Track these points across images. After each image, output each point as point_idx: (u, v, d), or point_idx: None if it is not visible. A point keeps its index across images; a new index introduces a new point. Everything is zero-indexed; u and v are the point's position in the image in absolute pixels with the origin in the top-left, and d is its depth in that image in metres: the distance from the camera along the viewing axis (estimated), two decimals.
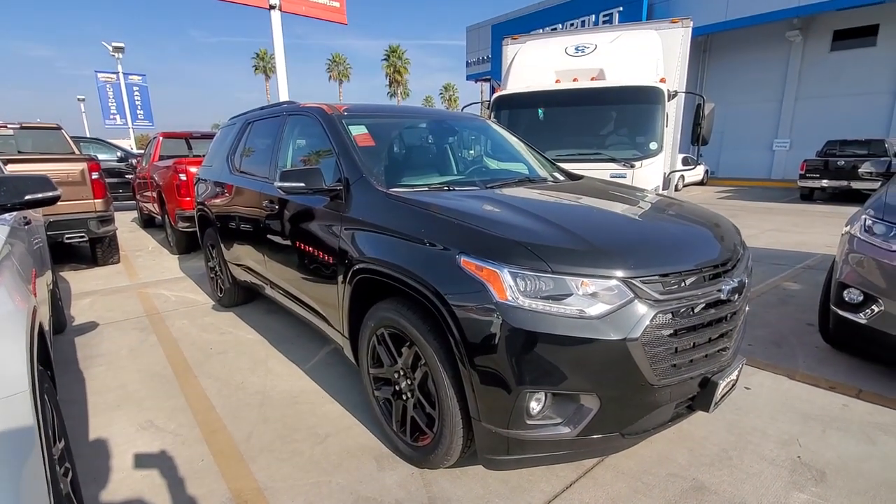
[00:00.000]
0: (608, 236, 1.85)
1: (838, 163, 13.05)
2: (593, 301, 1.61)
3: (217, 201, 4.13)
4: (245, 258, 3.75)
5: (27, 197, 1.91)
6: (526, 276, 1.62)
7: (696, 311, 1.77)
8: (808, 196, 13.83)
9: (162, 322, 4.12)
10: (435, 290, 1.76)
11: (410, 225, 1.99)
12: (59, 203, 5.09)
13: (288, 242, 2.93)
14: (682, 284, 1.75)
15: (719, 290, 1.83)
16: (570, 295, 1.62)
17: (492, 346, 1.62)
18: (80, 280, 5.55)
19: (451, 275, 1.74)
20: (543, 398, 1.67)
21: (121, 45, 22.35)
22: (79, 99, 42.24)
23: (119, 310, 4.46)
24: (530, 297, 1.61)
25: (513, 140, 3.47)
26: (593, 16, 19.62)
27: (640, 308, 1.62)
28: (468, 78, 28.36)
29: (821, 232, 8.26)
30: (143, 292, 5.02)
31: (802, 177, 13.61)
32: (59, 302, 3.86)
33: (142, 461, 2.25)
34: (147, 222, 9.33)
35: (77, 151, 6.43)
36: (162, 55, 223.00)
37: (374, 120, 2.95)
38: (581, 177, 3.12)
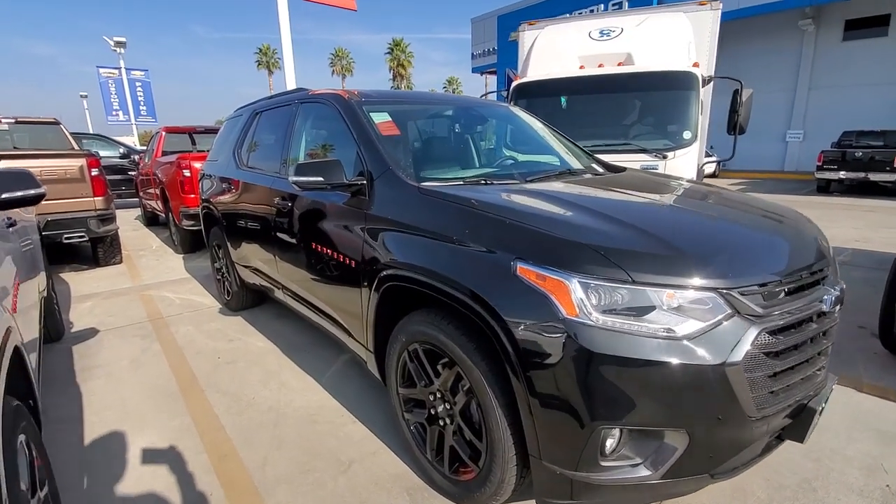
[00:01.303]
0: (692, 238, 1.55)
1: (856, 154, 12.70)
2: (682, 317, 1.33)
3: (223, 198, 3.85)
4: (254, 259, 3.48)
5: (4, 196, 1.64)
6: (600, 288, 1.34)
7: (799, 326, 1.48)
8: (824, 188, 13.46)
9: (166, 328, 3.87)
10: (485, 302, 1.47)
11: (451, 225, 1.71)
12: (57, 201, 4.80)
13: (302, 243, 2.65)
14: (784, 295, 1.47)
15: (821, 301, 1.54)
16: (654, 309, 1.33)
17: (559, 373, 1.34)
18: (80, 282, 5.30)
19: (505, 284, 1.45)
20: (618, 433, 1.39)
21: (122, 39, 22.03)
22: (81, 95, 42.02)
23: (121, 314, 4.21)
24: (606, 314, 1.33)
25: (543, 129, 3.17)
26: (602, 5, 19.17)
27: (741, 325, 1.34)
28: (473, 70, 27.94)
29: (845, 226, 7.93)
30: (147, 295, 4.77)
31: (819, 168, 13.25)
32: (55, 308, 3.61)
33: (142, 496, 1.99)
34: (151, 220, 9.09)
35: (76, 147, 6.17)
36: (164, 51, 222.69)
37: (396, 106, 2.66)
38: (623, 168, 2.82)
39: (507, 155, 2.95)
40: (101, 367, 3.19)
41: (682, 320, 1.32)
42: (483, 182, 2.14)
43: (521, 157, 2.94)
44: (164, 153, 7.53)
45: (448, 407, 1.79)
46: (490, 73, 26.98)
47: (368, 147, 2.22)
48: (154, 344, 3.54)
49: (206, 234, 4.52)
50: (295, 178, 2.13)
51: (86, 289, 5.04)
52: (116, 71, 23.63)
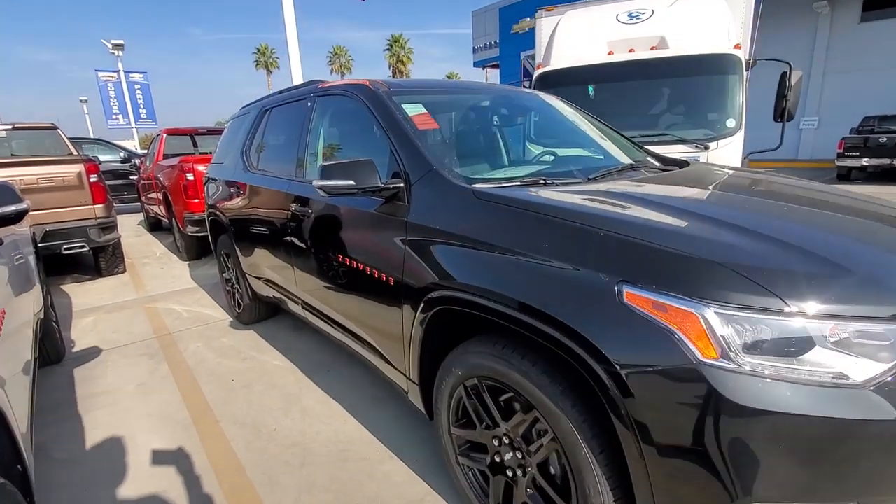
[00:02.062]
0: (850, 250, 1.23)
1: (880, 140, 12.31)
2: (854, 357, 1.01)
3: (231, 204, 3.55)
4: (267, 271, 3.18)
5: None
6: (744, 320, 1.02)
7: None
8: (845, 176, 13.05)
9: (174, 345, 3.57)
10: (580, 337, 1.16)
11: (522, 236, 1.39)
12: (55, 210, 4.50)
13: (324, 255, 2.34)
14: None
15: None
16: (813, 347, 1.01)
17: (694, 435, 1.03)
18: (82, 294, 5.01)
19: (608, 315, 1.14)
20: None
21: (120, 42, 21.75)
22: (81, 100, 41.99)
23: (125, 331, 3.92)
24: (755, 354, 1.01)
25: (586, 118, 2.84)
26: None
27: None
28: (475, 65, 27.52)
29: None
30: (152, 307, 4.48)
31: (840, 156, 12.88)
32: (55, 327, 3.32)
33: None
34: (154, 225, 8.80)
35: (75, 152, 5.88)
36: (162, 55, 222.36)
37: (429, 97, 2.33)
38: (686, 162, 2.49)
39: (548, 149, 2.62)
40: (105, 393, 2.89)
41: (855, 361, 1.00)
42: (542, 182, 1.82)
43: (566, 152, 2.61)
44: (166, 156, 7.24)
45: (521, 456, 1.48)
46: (492, 66, 26.55)
47: (404, 144, 1.90)
48: (162, 364, 3.25)
49: (213, 243, 4.22)
50: (321, 183, 1.82)
51: (88, 302, 4.75)
52: (115, 74, 23.36)
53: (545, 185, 1.79)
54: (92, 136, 17.06)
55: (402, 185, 1.82)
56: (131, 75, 23.34)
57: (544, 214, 1.39)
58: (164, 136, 7.59)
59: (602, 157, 2.52)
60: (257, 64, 61.80)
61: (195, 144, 8.19)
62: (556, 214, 1.37)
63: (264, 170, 3.13)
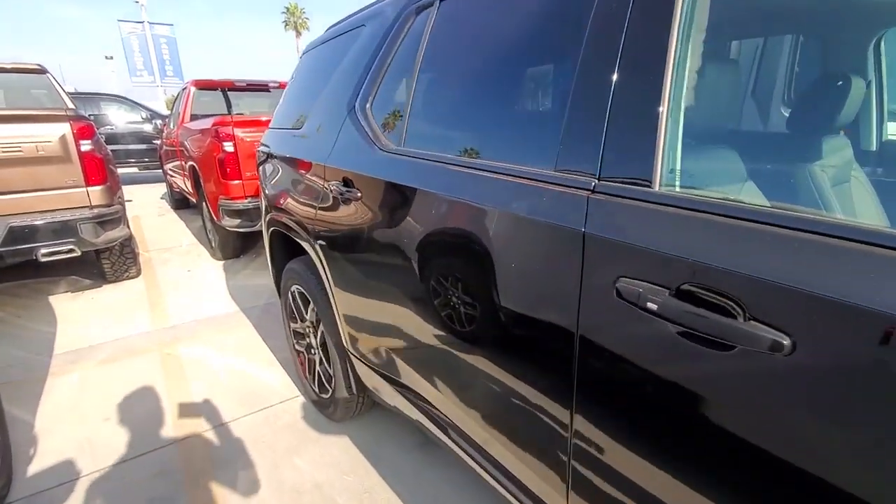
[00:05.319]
0: None
1: None
2: None
3: (327, 216, 1.78)
4: (414, 372, 1.43)
5: None
6: None
7: None
8: None
9: (209, 472, 1.90)
10: None
11: None
12: (25, 195, 2.75)
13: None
14: None
15: None
16: None
17: None
18: (75, 316, 3.40)
19: None
20: None
21: None
22: (106, 58, 40.50)
23: (126, 417, 2.27)
24: None
25: None
26: None
27: None
28: None
29: None
30: (173, 356, 2.82)
31: None
32: None
33: None
34: (179, 203, 7.16)
35: (68, 104, 4.18)
36: (188, 14, 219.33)
37: None
38: None
39: None
40: None
41: None
42: None
43: None
44: (194, 117, 5.53)
45: None
46: None
47: None
48: None
49: (273, 268, 2.49)
50: None
51: (80, 333, 3.13)
52: (140, 26, 21.63)
53: None
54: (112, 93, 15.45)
55: None
56: (156, 27, 21.59)
57: None
58: (192, 89, 5.82)
59: None
60: (286, 24, 59.20)
61: (228, 104, 6.43)
62: None
63: (432, 152, 1.34)
